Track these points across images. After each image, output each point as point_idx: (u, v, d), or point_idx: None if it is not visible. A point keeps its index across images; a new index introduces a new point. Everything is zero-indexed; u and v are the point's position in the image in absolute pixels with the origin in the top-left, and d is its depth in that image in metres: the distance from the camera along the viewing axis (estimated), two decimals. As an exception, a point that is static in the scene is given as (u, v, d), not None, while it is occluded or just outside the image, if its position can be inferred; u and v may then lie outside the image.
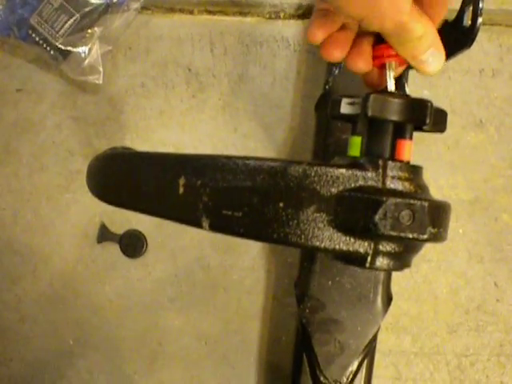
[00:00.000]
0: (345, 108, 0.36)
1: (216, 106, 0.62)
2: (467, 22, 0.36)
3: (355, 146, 0.36)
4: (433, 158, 0.62)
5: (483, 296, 0.62)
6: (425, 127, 0.36)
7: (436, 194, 0.61)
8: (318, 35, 0.37)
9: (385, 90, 0.36)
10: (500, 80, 0.62)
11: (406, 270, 0.61)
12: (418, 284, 0.62)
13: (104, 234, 0.62)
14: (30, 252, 0.63)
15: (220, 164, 0.36)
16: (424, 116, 0.35)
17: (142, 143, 0.62)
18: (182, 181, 0.37)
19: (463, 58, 0.61)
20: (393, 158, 0.35)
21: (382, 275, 0.54)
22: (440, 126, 0.37)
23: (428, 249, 0.61)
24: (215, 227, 0.36)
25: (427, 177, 0.55)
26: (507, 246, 0.62)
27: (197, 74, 0.62)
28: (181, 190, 0.37)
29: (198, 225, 0.36)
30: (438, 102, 0.60)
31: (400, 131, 0.35)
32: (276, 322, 0.62)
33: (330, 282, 0.54)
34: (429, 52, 0.35)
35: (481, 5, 0.35)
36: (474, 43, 0.62)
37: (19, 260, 0.63)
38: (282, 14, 0.62)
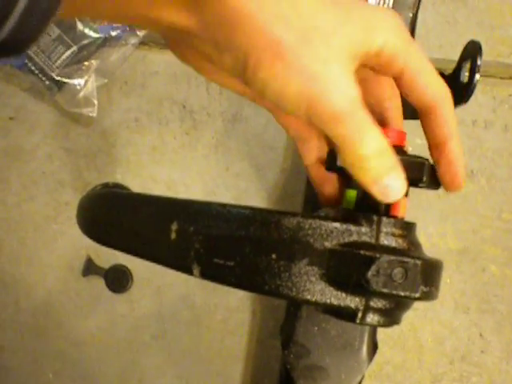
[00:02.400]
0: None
1: (209, 145, 0.62)
2: (464, 77, 0.36)
3: (350, 199, 0.36)
4: (423, 206, 0.62)
5: (468, 347, 0.62)
6: (421, 185, 0.36)
7: (425, 242, 0.61)
8: (335, 196, 0.38)
9: None
10: (492, 132, 0.62)
11: (392, 318, 0.61)
12: (404, 332, 0.62)
13: (89, 268, 0.62)
14: (14, 282, 0.62)
15: (214, 211, 0.36)
16: (421, 175, 0.35)
17: (133, 178, 0.62)
18: (174, 226, 0.36)
19: (456, 108, 0.62)
20: (387, 213, 0.35)
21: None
22: (435, 183, 0.36)
23: (415, 297, 0.61)
24: (206, 275, 0.36)
25: (417, 225, 0.55)
26: (494, 298, 0.62)
27: (191, 111, 0.62)
28: (173, 235, 0.36)
29: (189, 271, 0.36)
30: (430, 153, 0.61)
31: None
32: (259, 364, 0.61)
33: (315, 328, 0.54)
34: (390, 175, 0.31)
35: (479, 62, 0.35)
36: (468, 94, 0.62)
37: (2, 289, 0.62)
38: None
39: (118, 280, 0.62)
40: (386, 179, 0.31)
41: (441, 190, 0.62)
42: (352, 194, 0.36)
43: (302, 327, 0.53)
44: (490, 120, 0.62)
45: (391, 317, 0.35)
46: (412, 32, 0.53)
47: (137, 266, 0.62)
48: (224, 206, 0.36)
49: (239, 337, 0.61)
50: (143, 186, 0.62)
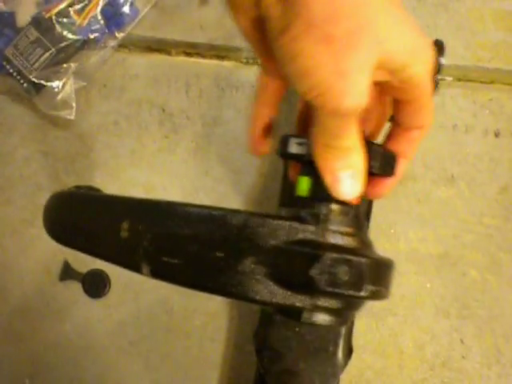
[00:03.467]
0: (293, 148, 0.35)
1: (188, 148, 0.62)
2: None
3: (303, 186, 0.36)
4: (403, 210, 0.61)
5: (449, 352, 0.61)
6: (373, 170, 0.35)
7: (405, 247, 0.61)
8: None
9: None
10: (473, 136, 0.62)
11: (372, 323, 0.60)
12: (384, 338, 0.61)
13: (67, 272, 0.61)
14: (-10, 286, 0.62)
15: (162, 209, 0.36)
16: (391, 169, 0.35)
17: (112, 182, 0.61)
18: (125, 224, 0.36)
19: (437, 112, 0.62)
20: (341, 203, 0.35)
21: (342, 328, 0.53)
22: (388, 170, 0.36)
23: (394, 302, 0.61)
24: (155, 274, 0.35)
25: (397, 230, 0.55)
26: (474, 303, 0.61)
27: (171, 115, 0.62)
28: (124, 233, 0.36)
29: (138, 270, 0.36)
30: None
31: None
32: (236, 370, 0.60)
33: (289, 333, 0.53)
34: (348, 172, 0.32)
35: (442, 60, 0.35)
36: (449, 98, 0.62)
37: (-22, 294, 0.61)
38: (258, 60, 0.62)
39: (95, 285, 0.61)
40: (342, 173, 0.31)
41: (421, 195, 0.62)
42: (304, 180, 0.35)
43: (275, 332, 0.53)
44: (470, 124, 0.62)
45: (340, 316, 0.35)
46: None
47: (115, 270, 0.61)
48: (172, 204, 0.36)
49: (217, 343, 0.61)
50: (121, 190, 0.61)
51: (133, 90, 0.62)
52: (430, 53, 0.30)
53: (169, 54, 0.63)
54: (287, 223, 0.33)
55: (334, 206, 0.34)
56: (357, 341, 0.60)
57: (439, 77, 0.35)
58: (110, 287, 0.61)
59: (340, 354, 0.52)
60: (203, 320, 0.61)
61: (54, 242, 0.61)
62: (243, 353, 0.60)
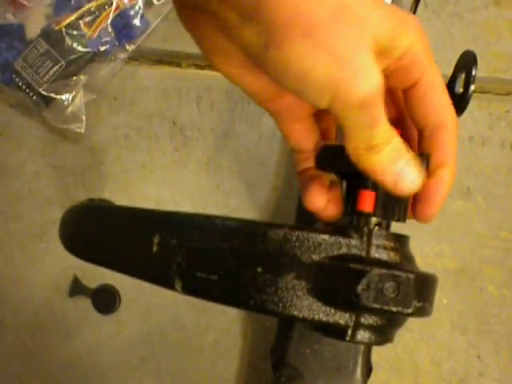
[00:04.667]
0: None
1: (199, 162, 0.61)
2: (459, 89, 0.35)
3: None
4: (419, 225, 0.60)
5: (466, 369, 0.60)
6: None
7: (421, 262, 0.59)
8: (321, 201, 0.35)
9: None
10: (489, 148, 0.61)
11: (388, 340, 0.59)
12: (399, 354, 0.60)
13: (76, 288, 0.60)
14: (0, 302, 0.61)
15: (197, 223, 0.34)
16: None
17: (122, 196, 0.60)
18: (156, 239, 0.35)
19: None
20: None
21: (362, 345, 0.52)
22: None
23: (410, 318, 0.60)
24: (188, 290, 0.34)
25: (413, 244, 0.53)
26: (492, 319, 0.60)
27: (182, 127, 0.61)
28: (154, 248, 0.35)
29: (171, 286, 0.34)
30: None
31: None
32: (250, 388, 0.59)
33: (308, 350, 0.52)
34: (402, 162, 0.30)
35: (474, 72, 0.34)
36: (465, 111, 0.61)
37: (-13, 309, 0.61)
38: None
39: (105, 300, 0.60)
40: (397, 165, 0.29)
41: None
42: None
43: (293, 349, 0.52)
44: (486, 137, 0.61)
45: (383, 334, 0.34)
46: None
47: (125, 285, 0.60)
48: (208, 217, 0.35)
49: (230, 359, 0.60)
50: (132, 204, 0.61)
51: (143, 102, 0.61)
52: (416, 24, 0.29)
53: (179, 66, 0.62)
54: (330, 237, 0.32)
55: (375, 220, 0.33)
56: (372, 358, 0.58)
57: (473, 87, 0.34)
58: (120, 303, 0.60)
59: (359, 372, 0.51)
60: (215, 336, 0.60)
61: (63, 257, 0.60)
62: (257, 370, 0.59)
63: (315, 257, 0.32)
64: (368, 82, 0.26)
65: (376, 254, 0.32)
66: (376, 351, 0.59)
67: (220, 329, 0.60)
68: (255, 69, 0.31)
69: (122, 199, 0.60)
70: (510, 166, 0.61)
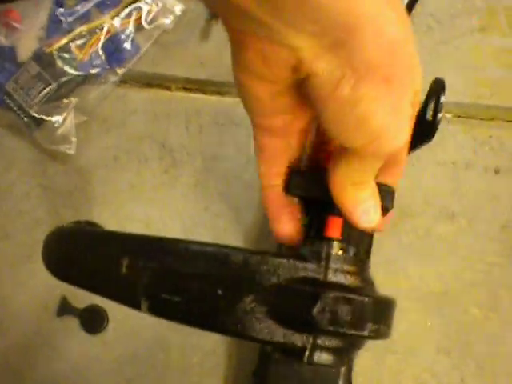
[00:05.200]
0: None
1: (188, 184, 0.62)
2: (429, 115, 0.36)
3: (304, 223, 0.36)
4: (403, 247, 0.61)
5: (450, 391, 0.60)
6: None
7: (405, 284, 0.60)
8: (293, 232, 0.36)
9: None
10: (473, 173, 0.62)
11: (372, 361, 0.60)
12: (383, 376, 0.60)
13: (64, 308, 0.61)
14: (-14, 321, 0.61)
15: (162, 246, 0.36)
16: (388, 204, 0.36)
17: (111, 216, 0.61)
18: (125, 261, 0.37)
19: (437, 149, 0.62)
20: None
21: (343, 367, 0.53)
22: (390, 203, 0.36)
23: (394, 340, 0.60)
24: (153, 310, 0.36)
25: (397, 266, 0.54)
26: (476, 341, 0.61)
27: (171, 150, 0.62)
28: (124, 270, 0.36)
29: (137, 306, 0.36)
30: (411, 192, 0.61)
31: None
32: (235, 409, 0.60)
33: (289, 372, 0.52)
34: (372, 202, 0.32)
35: (442, 99, 0.35)
36: (449, 135, 0.62)
37: (-26, 328, 0.61)
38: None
39: (92, 320, 0.61)
40: (369, 203, 0.31)
41: (421, 232, 0.62)
42: (306, 219, 0.36)
43: (275, 371, 0.52)
44: (470, 161, 0.62)
45: (341, 355, 0.35)
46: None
47: (112, 306, 0.60)
48: (173, 240, 0.36)
49: (215, 380, 0.60)
50: (120, 225, 0.61)
51: (133, 125, 0.62)
52: None
53: (169, 89, 0.63)
54: (288, 261, 0.33)
55: (336, 244, 0.34)
56: (356, 379, 0.58)
57: (440, 115, 0.35)
58: (107, 323, 0.61)
59: (340, 399, 0.51)
60: (201, 357, 0.60)
61: (51, 277, 0.61)
62: (242, 392, 0.60)
63: (274, 280, 0.33)
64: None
65: (333, 277, 0.33)
66: (359, 373, 0.59)
67: (205, 350, 0.60)
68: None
69: (110, 220, 0.61)
70: (493, 190, 0.62)
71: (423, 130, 0.36)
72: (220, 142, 0.62)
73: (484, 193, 0.62)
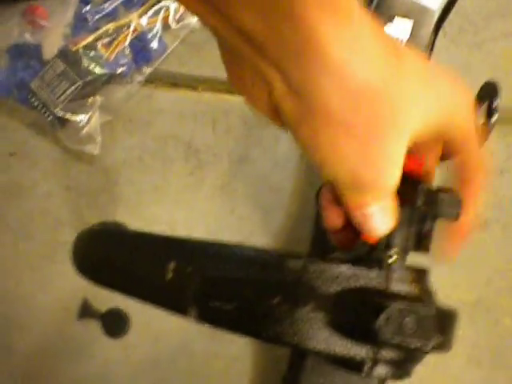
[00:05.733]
0: None
1: (214, 186, 0.60)
2: (480, 119, 0.35)
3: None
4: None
5: (480, 404, 0.59)
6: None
7: (437, 293, 0.58)
8: (339, 220, 0.34)
9: None
10: (507, 179, 0.60)
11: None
12: (413, 387, 0.59)
13: (86, 310, 0.60)
14: (8, 323, 0.60)
15: (214, 251, 0.34)
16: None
17: (134, 218, 0.60)
18: (171, 265, 0.35)
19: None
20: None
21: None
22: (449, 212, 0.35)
23: (425, 351, 0.59)
24: (203, 318, 0.34)
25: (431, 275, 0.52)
26: (507, 352, 0.59)
27: (196, 151, 0.61)
28: (169, 274, 0.35)
29: (184, 313, 0.34)
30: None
31: None
32: (260, 418, 0.58)
33: (321, 380, 0.51)
34: (377, 206, 0.30)
35: (496, 102, 0.34)
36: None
37: (-5, 331, 0.60)
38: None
39: (114, 324, 0.59)
40: (370, 208, 0.30)
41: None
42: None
43: (306, 379, 0.51)
44: (504, 168, 0.60)
45: (401, 369, 0.33)
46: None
47: (135, 309, 0.59)
48: (225, 245, 0.34)
49: (240, 387, 0.59)
50: (145, 226, 0.60)
51: (158, 125, 0.61)
52: (468, 97, 0.29)
53: (195, 89, 0.62)
54: (348, 269, 0.31)
55: (397, 251, 0.33)
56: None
57: (496, 117, 0.34)
58: (129, 327, 0.59)
59: (374, 403, 0.49)
60: (225, 364, 0.59)
61: (73, 278, 0.60)
62: (267, 400, 0.58)
63: (333, 288, 0.31)
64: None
65: (395, 287, 0.32)
66: None
67: (230, 356, 0.59)
68: None
69: (134, 221, 0.60)
70: (527, 197, 0.60)
71: None
72: (247, 143, 0.61)
73: (518, 199, 0.60)
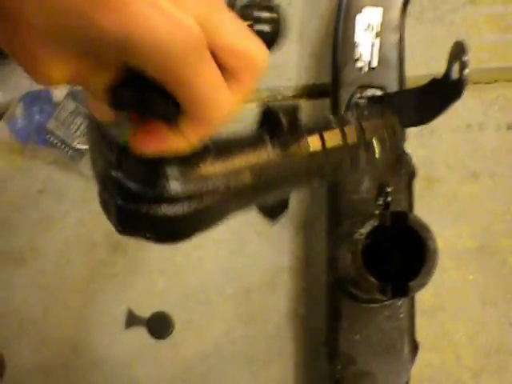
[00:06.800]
0: None
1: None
2: (454, 75, 0.40)
3: None
4: (436, 211, 0.65)
5: (501, 338, 0.64)
6: None
7: (443, 245, 0.64)
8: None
9: None
10: (487, 132, 0.66)
11: (424, 321, 0.63)
12: (437, 334, 0.64)
13: (131, 319, 0.65)
14: (62, 345, 0.65)
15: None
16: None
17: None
18: None
19: (450, 116, 0.66)
20: None
21: (405, 323, 0.56)
22: None
23: (441, 298, 0.64)
24: None
25: (433, 230, 0.59)
26: (518, 287, 0.65)
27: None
28: None
29: None
30: (433, 160, 0.65)
31: None
32: (305, 385, 0.64)
33: (357, 336, 0.56)
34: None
35: (466, 57, 0.39)
36: (459, 102, 0.67)
37: (51, 354, 0.65)
38: (279, 97, 0.67)
39: (159, 327, 0.65)
40: None
41: (449, 195, 0.66)
42: None
43: (344, 337, 0.56)
44: (482, 122, 0.66)
45: None
46: (401, 53, 0.58)
47: (176, 310, 0.65)
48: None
49: (282, 363, 0.64)
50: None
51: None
52: None
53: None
54: None
55: None
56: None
57: (467, 71, 0.39)
58: (173, 327, 0.65)
59: (407, 349, 0.55)
60: (266, 343, 0.64)
61: (114, 293, 0.65)
62: (309, 369, 0.64)
63: None
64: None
65: None
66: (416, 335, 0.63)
67: (269, 334, 0.64)
68: None
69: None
70: (508, 145, 0.66)
71: (449, 91, 0.40)
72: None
73: (500, 149, 0.66)
